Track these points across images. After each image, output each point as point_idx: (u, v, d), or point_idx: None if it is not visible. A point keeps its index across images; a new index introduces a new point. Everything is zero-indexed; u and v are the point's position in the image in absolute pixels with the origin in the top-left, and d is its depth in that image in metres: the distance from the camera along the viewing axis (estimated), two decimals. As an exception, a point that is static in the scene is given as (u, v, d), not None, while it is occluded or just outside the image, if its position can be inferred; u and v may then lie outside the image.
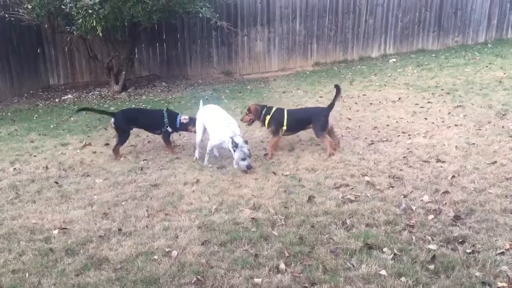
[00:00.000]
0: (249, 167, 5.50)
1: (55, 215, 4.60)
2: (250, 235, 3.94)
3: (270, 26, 14.42)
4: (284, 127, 6.18)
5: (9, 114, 10.50)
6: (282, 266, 3.43)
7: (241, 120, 6.66)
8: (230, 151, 5.64)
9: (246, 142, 5.65)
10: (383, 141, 6.47)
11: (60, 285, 3.36)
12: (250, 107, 6.49)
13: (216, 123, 5.88)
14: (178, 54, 14.35)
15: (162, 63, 14.41)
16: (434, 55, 13.94)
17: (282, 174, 5.39)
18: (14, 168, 6.14)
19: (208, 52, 14.40)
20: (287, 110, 6.33)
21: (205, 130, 6.14)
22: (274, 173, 5.47)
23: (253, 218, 4.27)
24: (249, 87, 12.20)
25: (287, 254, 3.60)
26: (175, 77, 14.18)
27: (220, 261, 3.58)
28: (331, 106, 6.21)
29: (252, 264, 3.50)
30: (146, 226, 4.25)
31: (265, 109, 6.34)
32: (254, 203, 4.59)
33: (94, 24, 9.69)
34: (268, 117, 6.24)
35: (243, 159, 5.50)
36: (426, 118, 7.43)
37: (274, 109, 6.32)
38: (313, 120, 6.14)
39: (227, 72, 14.46)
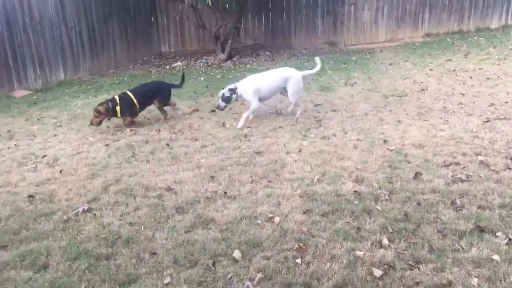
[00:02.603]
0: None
1: (167, 175, 4.90)
2: (353, 207, 3.91)
3: (379, -5, 13.82)
4: (137, 106, 6.74)
5: (125, 78, 11.29)
6: (385, 241, 3.37)
7: (90, 124, 6.63)
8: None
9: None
10: (501, 119, 5.99)
11: (172, 239, 3.60)
12: (100, 109, 6.52)
13: None
14: (283, 24, 14.35)
15: (266, 32, 14.52)
16: None
17: (387, 149, 5.23)
18: (131, 129, 6.62)
19: (313, 21, 14.22)
20: (131, 91, 6.86)
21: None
22: (379, 147, 5.33)
23: (355, 191, 4.22)
24: (353, 58, 11.89)
25: (390, 230, 3.53)
26: (279, 46, 14.24)
27: (321, 231, 3.60)
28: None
29: (354, 236, 3.48)
30: (250, 192, 4.39)
31: (110, 102, 6.59)
32: (357, 176, 4.52)
33: (205, -7, 9.99)
34: (117, 108, 6.58)
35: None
36: (552, 96, 6.74)
37: (117, 97, 6.70)
38: (158, 94, 7.01)
39: (331, 43, 14.20)
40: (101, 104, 6.58)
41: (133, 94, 6.72)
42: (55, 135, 6.59)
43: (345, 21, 14.15)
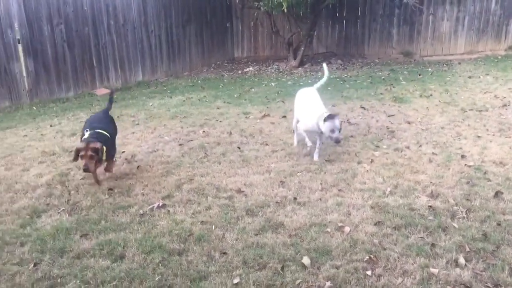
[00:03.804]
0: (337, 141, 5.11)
1: (237, 177, 4.99)
2: (427, 223, 3.78)
3: (460, 5, 13.34)
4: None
5: (199, 81, 11.62)
6: (462, 260, 3.23)
7: (84, 170, 4.57)
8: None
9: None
10: None
11: (242, 240, 3.66)
12: (97, 147, 4.53)
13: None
14: (356, 32, 14.18)
15: (339, 40, 14.41)
16: None
17: (465, 165, 5.02)
18: (203, 131, 6.81)
19: (388, 31, 13.94)
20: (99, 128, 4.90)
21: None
22: (456, 162, 5.12)
23: (430, 206, 4.08)
24: (430, 69, 11.51)
25: (467, 249, 3.38)
26: (351, 55, 14.07)
27: (393, 244, 3.52)
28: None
29: (428, 253, 3.36)
30: (320, 199, 4.37)
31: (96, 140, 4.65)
32: (432, 191, 4.37)
33: (281, 0, 10.09)
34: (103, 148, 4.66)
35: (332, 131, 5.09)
36: None
37: (89, 133, 4.76)
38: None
39: (406, 53, 13.84)
40: (90, 142, 4.56)
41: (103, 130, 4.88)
42: (133, 132, 6.90)
43: (422, 31, 13.73)
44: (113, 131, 5.29)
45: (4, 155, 5.98)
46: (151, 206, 4.31)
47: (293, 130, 6.07)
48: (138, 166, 5.40)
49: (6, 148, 6.31)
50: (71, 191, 4.74)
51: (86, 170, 4.52)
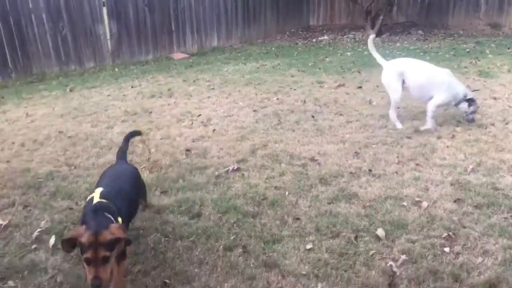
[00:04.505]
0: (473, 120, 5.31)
1: (311, 146, 4.98)
2: (511, 203, 3.60)
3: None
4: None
5: (273, 49, 11.58)
6: (548, 244, 3.06)
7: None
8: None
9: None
10: None
11: (315, 208, 3.68)
12: (102, 244, 2.35)
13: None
14: (441, 1, 13.40)
15: (421, 10, 13.71)
16: None
17: (558, 145, 4.68)
18: (277, 98, 6.81)
19: (476, 0, 13.02)
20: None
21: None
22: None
23: (516, 186, 3.87)
24: (520, 42, 10.69)
25: (555, 234, 3.19)
26: (433, 26, 13.35)
27: (474, 223, 3.38)
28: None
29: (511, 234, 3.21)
30: (396, 172, 4.26)
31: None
32: (518, 171, 4.14)
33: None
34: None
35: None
36: None
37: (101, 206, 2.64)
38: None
39: (494, 25, 12.91)
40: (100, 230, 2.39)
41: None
42: (209, 97, 7.04)
43: (514, 1, 12.72)
44: (134, 194, 3.16)
45: (90, 113, 6.34)
46: (226, 169, 4.42)
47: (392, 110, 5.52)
48: (214, 130, 5.53)
49: (91, 106, 6.68)
50: (151, 149, 4.95)
51: (97, 286, 2.29)
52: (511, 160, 4.38)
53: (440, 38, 12.05)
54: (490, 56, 9.30)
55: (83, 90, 7.85)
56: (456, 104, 5.29)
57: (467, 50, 10.13)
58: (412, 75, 5.38)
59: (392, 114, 5.49)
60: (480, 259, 2.96)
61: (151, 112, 6.33)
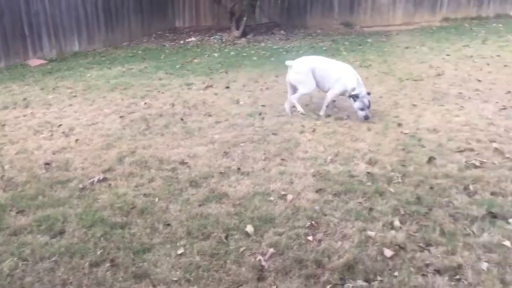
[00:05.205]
0: (366, 118, 5.62)
1: (181, 149, 4.94)
2: (365, 188, 3.94)
3: (399, -24, 13.59)
4: None
5: (139, 52, 11.29)
6: (397, 223, 3.40)
7: None
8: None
9: (368, 93, 5.73)
10: (518, 107, 5.95)
11: (185, 212, 3.66)
12: None
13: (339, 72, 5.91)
14: (299, 3, 14.20)
15: (282, 11, 14.36)
16: None
17: (401, 132, 5.23)
18: (145, 103, 6.65)
19: (330, 1, 14.05)
20: None
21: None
22: (393, 130, 5.32)
23: (368, 172, 4.24)
24: (369, 40, 11.76)
25: (402, 212, 3.55)
26: (294, 26, 14.09)
27: (333, 210, 3.64)
28: None
29: (366, 217, 3.51)
30: (263, 169, 4.42)
31: None
32: (370, 158, 4.53)
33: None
34: None
35: (362, 109, 5.63)
36: None
37: None
38: None
39: (347, 24, 14.04)
40: None
41: None
42: (70, 105, 6.64)
43: (362, 2, 13.95)
44: None
45: None
46: (91, 180, 4.20)
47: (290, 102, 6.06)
48: (77, 140, 5.23)
49: None
50: (5, 166, 4.52)
51: None
52: (364, 149, 4.79)
53: (301, 38, 12.77)
54: (344, 53, 10.09)
55: None
56: (349, 97, 5.78)
57: (324, 48, 10.87)
58: (319, 70, 5.91)
59: (297, 102, 5.96)
60: (339, 244, 3.19)
61: (4, 125, 5.78)
